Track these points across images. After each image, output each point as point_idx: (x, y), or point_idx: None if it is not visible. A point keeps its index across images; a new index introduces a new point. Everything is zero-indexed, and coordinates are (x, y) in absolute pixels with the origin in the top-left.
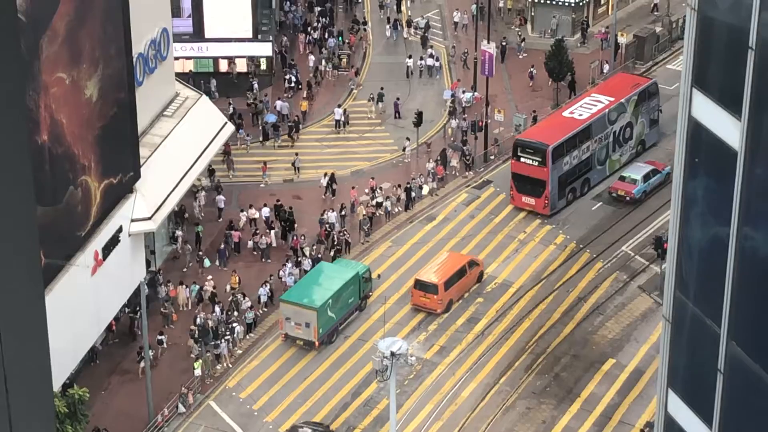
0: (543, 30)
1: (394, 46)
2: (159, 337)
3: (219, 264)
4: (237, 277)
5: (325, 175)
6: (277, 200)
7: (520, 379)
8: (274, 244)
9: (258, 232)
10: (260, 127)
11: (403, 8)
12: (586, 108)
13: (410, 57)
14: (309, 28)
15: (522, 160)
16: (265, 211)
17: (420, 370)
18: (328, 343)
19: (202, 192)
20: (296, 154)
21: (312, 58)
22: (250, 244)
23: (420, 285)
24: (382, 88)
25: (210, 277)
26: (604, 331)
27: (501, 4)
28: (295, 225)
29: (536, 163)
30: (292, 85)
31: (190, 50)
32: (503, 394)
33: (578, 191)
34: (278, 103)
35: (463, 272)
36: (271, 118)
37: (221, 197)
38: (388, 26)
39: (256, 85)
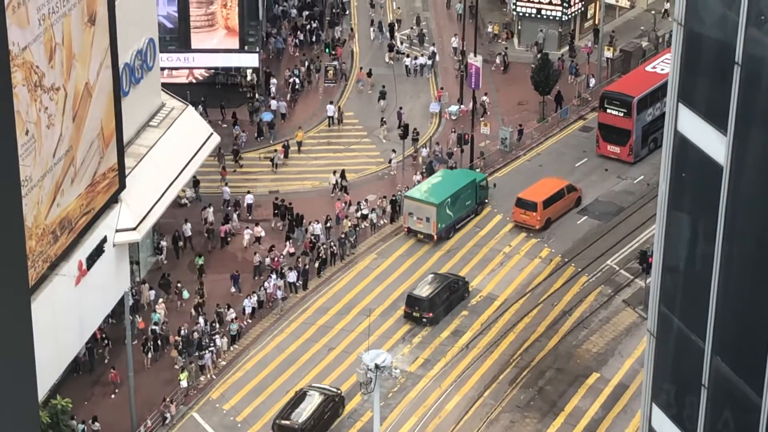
0: (529, 44)
1: (381, 56)
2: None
3: (234, 288)
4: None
5: (335, 172)
6: (276, 197)
7: (504, 393)
8: (292, 251)
9: (273, 248)
10: (256, 125)
11: (396, 35)
12: (667, 63)
13: (408, 56)
14: (297, 32)
15: (608, 111)
16: (249, 198)
17: (404, 382)
18: (446, 238)
19: (210, 208)
20: (275, 150)
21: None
22: (267, 260)
23: (521, 203)
24: (384, 86)
25: (161, 300)
26: (589, 345)
27: (489, 29)
28: (304, 220)
29: (622, 114)
30: (297, 87)
31: (177, 61)
32: (487, 407)
33: (659, 141)
34: (273, 102)
35: (561, 194)
36: (267, 116)
37: (226, 189)
38: (372, 29)
39: (273, 88)
